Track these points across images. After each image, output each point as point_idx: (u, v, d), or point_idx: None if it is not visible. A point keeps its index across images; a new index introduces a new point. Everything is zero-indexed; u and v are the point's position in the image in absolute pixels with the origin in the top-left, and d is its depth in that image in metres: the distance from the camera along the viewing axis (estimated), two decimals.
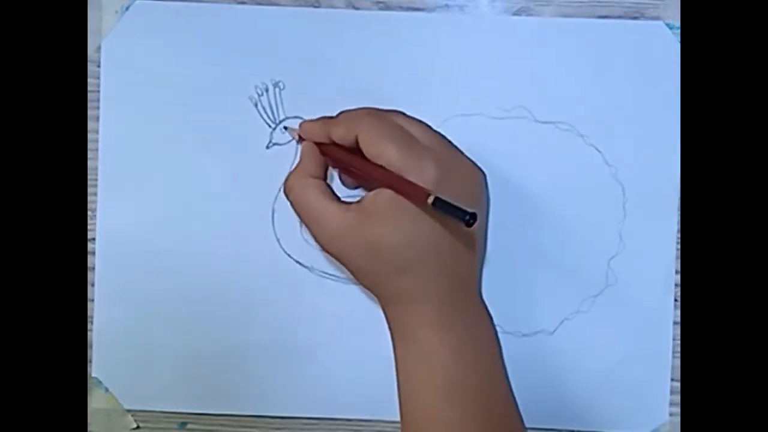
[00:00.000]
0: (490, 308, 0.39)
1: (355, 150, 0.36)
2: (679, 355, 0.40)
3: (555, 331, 0.40)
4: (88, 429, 0.41)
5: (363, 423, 0.41)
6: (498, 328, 0.40)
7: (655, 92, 0.40)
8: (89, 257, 0.41)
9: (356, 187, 0.40)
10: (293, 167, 0.38)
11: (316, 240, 0.36)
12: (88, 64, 0.41)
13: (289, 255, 0.41)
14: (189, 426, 0.41)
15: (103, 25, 0.41)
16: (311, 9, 0.41)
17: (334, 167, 0.39)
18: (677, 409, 0.40)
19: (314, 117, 0.40)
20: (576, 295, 0.40)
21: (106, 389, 0.41)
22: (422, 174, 0.34)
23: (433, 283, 0.35)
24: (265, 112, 0.41)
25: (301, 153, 0.38)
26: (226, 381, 0.41)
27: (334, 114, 0.38)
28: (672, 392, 0.40)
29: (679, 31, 0.40)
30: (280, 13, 0.41)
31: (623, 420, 0.40)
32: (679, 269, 0.40)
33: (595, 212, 0.40)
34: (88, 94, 0.41)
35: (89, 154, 0.41)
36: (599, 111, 0.40)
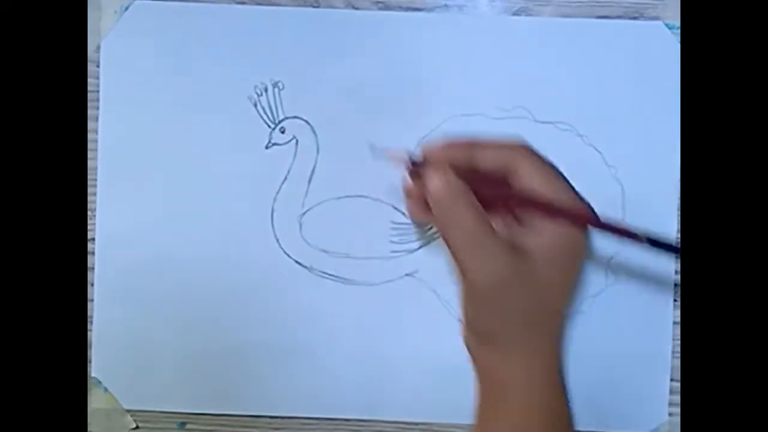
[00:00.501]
0: None
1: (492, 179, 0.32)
2: (678, 355, 0.40)
3: None
4: (88, 429, 0.41)
5: (363, 423, 0.41)
6: None
7: (655, 92, 0.40)
8: (89, 257, 0.41)
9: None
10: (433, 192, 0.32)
11: (468, 281, 0.31)
12: (88, 64, 0.41)
13: (288, 255, 0.41)
14: (188, 426, 0.41)
15: (102, 25, 0.41)
16: (311, 9, 0.41)
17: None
18: (677, 409, 0.40)
19: (311, 116, 0.40)
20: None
21: (106, 389, 0.41)
22: (577, 209, 0.32)
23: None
24: (265, 112, 0.41)
25: (439, 175, 0.32)
26: (225, 381, 0.41)
27: (334, 113, 0.38)
28: (672, 392, 0.40)
29: (678, 31, 0.40)
30: (280, 13, 0.41)
31: (623, 420, 0.40)
32: (678, 269, 0.40)
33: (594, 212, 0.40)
34: (88, 94, 0.41)
35: (89, 154, 0.41)
36: (599, 111, 0.40)
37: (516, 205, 0.32)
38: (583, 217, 0.31)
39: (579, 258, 0.32)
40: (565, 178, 0.33)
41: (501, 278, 0.31)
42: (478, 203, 0.31)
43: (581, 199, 0.33)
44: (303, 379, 0.41)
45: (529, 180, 0.32)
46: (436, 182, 0.31)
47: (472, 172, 0.32)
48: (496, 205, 0.33)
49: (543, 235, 0.31)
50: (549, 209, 0.31)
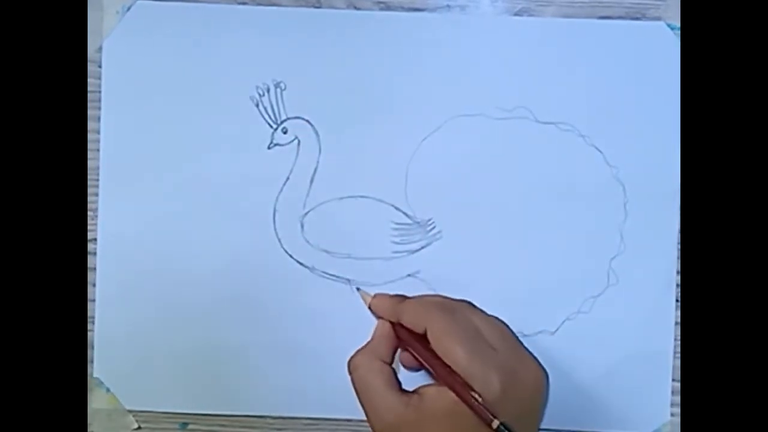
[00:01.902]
0: (491, 309, 0.39)
1: (423, 338, 0.36)
2: (679, 355, 0.40)
3: (556, 331, 0.40)
4: (90, 429, 0.41)
5: (363, 423, 0.41)
6: None
7: (656, 92, 0.40)
8: (90, 258, 0.41)
9: (417, 370, 0.39)
10: (365, 344, 0.38)
11: (369, 422, 0.36)
12: (89, 64, 0.41)
13: (290, 255, 0.41)
14: (190, 426, 0.41)
15: (104, 26, 0.41)
16: (312, 9, 0.41)
17: (401, 348, 0.38)
18: (678, 410, 0.40)
19: (313, 116, 0.40)
20: (577, 295, 0.40)
21: (108, 389, 0.41)
22: (487, 386, 0.33)
23: None
24: (267, 113, 0.41)
25: (376, 331, 0.38)
26: (227, 381, 0.41)
27: (336, 113, 0.38)
28: (673, 392, 0.40)
29: (679, 31, 0.40)
30: (281, 14, 0.41)
31: (624, 420, 0.40)
32: (679, 269, 0.40)
33: (596, 212, 0.40)
34: (90, 95, 0.41)
35: (90, 155, 0.41)
36: (600, 111, 0.40)
37: (426, 365, 0.36)
38: (468, 403, 0.33)
39: (475, 427, 0.33)
40: (471, 337, 0.35)
41: (391, 423, 0.35)
42: (387, 370, 0.36)
43: (487, 360, 0.34)
44: (305, 380, 0.41)
45: (435, 341, 0.35)
46: (357, 358, 0.37)
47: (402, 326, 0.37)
48: (417, 360, 0.37)
49: (443, 396, 0.34)
50: (446, 379, 0.34)
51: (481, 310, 0.38)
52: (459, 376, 0.34)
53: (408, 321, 0.36)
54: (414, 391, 0.36)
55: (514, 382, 0.34)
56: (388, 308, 0.38)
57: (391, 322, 0.38)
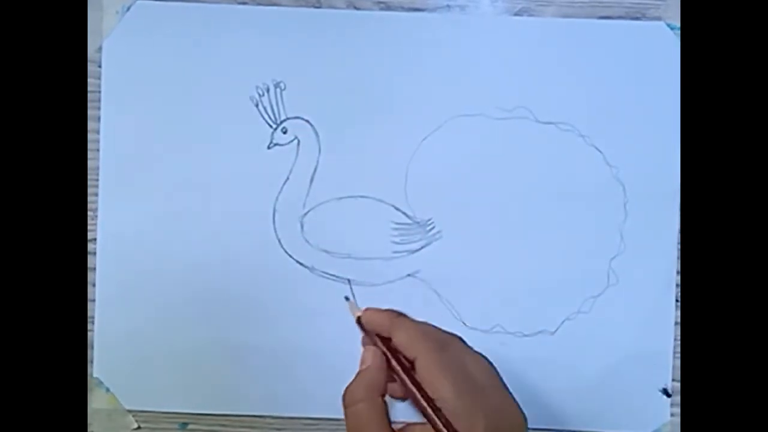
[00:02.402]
0: (491, 309, 0.39)
1: (411, 369, 0.36)
2: (679, 355, 0.40)
3: (556, 331, 0.40)
4: (90, 429, 0.41)
5: None
6: (499, 329, 0.40)
7: (656, 92, 0.40)
8: (90, 257, 0.41)
9: (403, 400, 0.39)
10: (359, 374, 0.37)
11: None
12: (89, 64, 0.41)
13: (290, 255, 0.41)
14: (190, 426, 0.41)
15: (103, 26, 0.41)
16: (312, 9, 0.41)
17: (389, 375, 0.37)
18: (678, 410, 0.40)
19: (313, 116, 0.40)
20: (577, 295, 0.40)
21: (107, 389, 0.41)
22: (473, 424, 0.33)
23: None
24: (266, 113, 0.41)
25: (371, 362, 0.37)
26: (226, 381, 0.41)
27: (336, 113, 0.38)
28: (674, 392, 0.40)
29: (679, 31, 0.40)
30: (281, 14, 0.41)
31: (624, 420, 0.40)
32: (679, 269, 0.40)
33: (596, 212, 0.40)
34: (90, 95, 0.41)
35: (90, 155, 0.41)
36: (600, 111, 0.40)
37: (412, 398, 0.35)
38: (436, 429, 0.33)
39: None
40: (461, 375, 0.35)
41: None
42: (379, 400, 0.36)
43: (474, 400, 0.34)
44: (305, 380, 0.41)
45: (424, 374, 0.35)
46: (358, 391, 0.36)
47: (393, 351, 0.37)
48: (404, 389, 0.36)
49: None
50: (417, 406, 0.34)
51: (470, 347, 0.37)
52: (442, 413, 0.33)
53: (400, 340, 0.36)
54: (404, 427, 0.36)
55: (498, 424, 0.34)
56: (381, 322, 0.37)
57: (383, 351, 0.37)
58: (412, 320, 0.38)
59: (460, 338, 0.38)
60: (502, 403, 0.35)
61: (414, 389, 0.35)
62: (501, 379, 0.36)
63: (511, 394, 0.35)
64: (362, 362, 0.38)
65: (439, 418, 0.33)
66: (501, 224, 0.40)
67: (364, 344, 0.39)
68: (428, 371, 0.35)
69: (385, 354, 0.37)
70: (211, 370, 0.41)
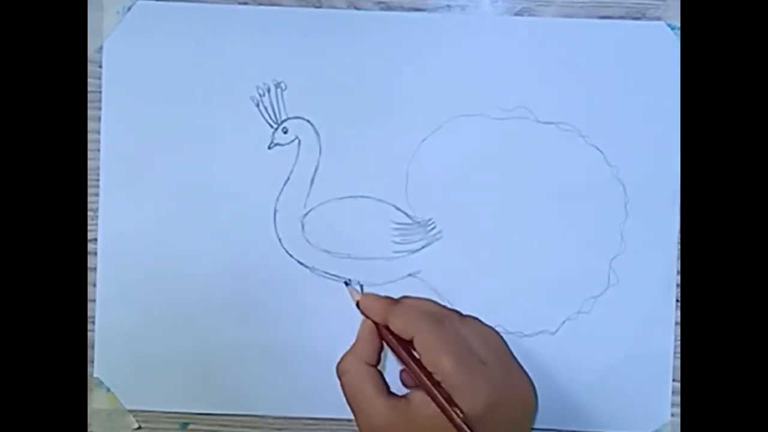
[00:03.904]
0: (491, 309, 0.39)
1: (410, 343, 0.36)
2: (679, 355, 0.40)
3: (557, 331, 0.40)
4: (90, 429, 0.41)
5: None
6: (500, 329, 0.40)
7: (656, 92, 0.40)
8: (91, 258, 0.41)
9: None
10: (351, 347, 0.37)
11: (357, 424, 0.36)
12: (89, 64, 0.41)
13: (290, 255, 0.41)
14: (190, 426, 0.41)
15: (104, 26, 0.41)
16: (312, 9, 0.41)
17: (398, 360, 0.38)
18: (678, 410, 0.40)
19: (313, 116, 0.40)
20: (578, 295, 0.40)
21: (108, 389, 0.41)
22: (473, 399, 0.33)
23: None
24: (267, 113, 0.41)
25: (360, 333, 0.38)
26: (227, 381, 0.41)
27: (337, 113, 0.38)
28: (673, 393, 0.40)
29: (679, 31, 0.40)
30: (282, 14, 0.41)
31: (624, 420, 0.40)
32: (679, 269, 0.40)
33: (596, 212, 0.40)
34: (90, 95, 0.41)
35: (90, 155, 0.41)
36: (601, 111, 0.40)
37: (411, 375, 0.36)
38: (436, 402, 0.34)
39: (445, 427, 0.33)
40: (460, 349, 0.35)
41: (377, 425, 0.35)
42: (375, 373, 0.36)
43: (475, 372, 0.34)
44: (305, 379, 0.41)
45: (423, 351, 0.35)
46: (345, 362, 0.37)
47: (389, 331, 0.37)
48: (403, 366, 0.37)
49: (421, 400, 0.34)
50: (429, 392, 0.34)
51: (474, 318, 0.37)
52: (442, 388, 0.34)
53: (396, 326, 0.36)
54: (402, 396, 0.36)
55: (503, 397, 0.34)
56: (377, 310, 0.37)
57: (377, 324, 0.37)
58: (410, 301, 0.38)
59: (459, 312, 0.38)
60: (507, 376, 0.35)
61: (412, 363, 0.35)
62: (509, 351, 0.36)
63: (521, 366, 0.35)
64: (357, 335, 0.38)
65: (439, 392, 0.33)
66: (501, 224, 0.40)
67: None
68: (426, 347, 0.34)
69: (378, 327, 0.37)
70: (211, 370, 0.41)
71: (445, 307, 0.38)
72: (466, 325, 0.37)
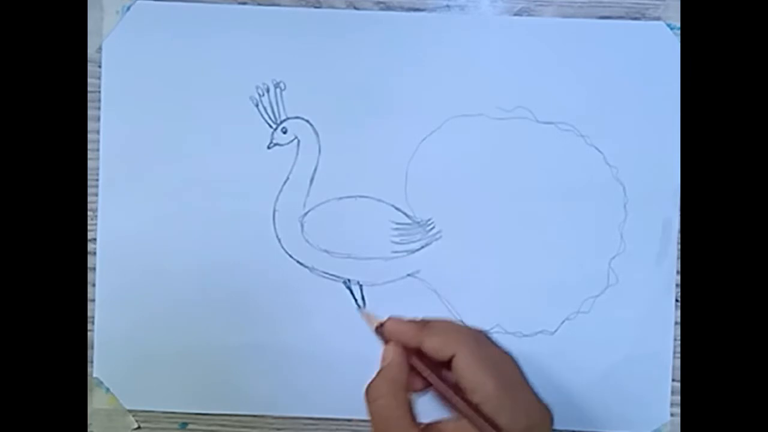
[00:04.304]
0: (491, 309, 0.39)
1: (440, 365, 0.34)
2: (679, 355, 0.40)
3: (556, 331, 0.40)
4: (89, 429, 0.41)
5: (363, 423, 0.41)
6: (499, 329, 0.40)
7: (656, 92, 0.40)
8: (90, 257, 0.41)
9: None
10: (381, 370, 0.36)
11: None
12: (89, 64, 0.41)
13: (290, 255, 0.41)
14: (190, 426, 0.41)
15: (104, 26, 0.41)
16: (312, 9, 0.41)
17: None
18: (678, 410, 0.40)
19: (312, 116, 0.39)
20: (577, 295, 0.40)
21: (107, 389, 0.41)
22: (516, 419, 0.32)
23: None
24: (266, 113, 0.41)
25: (387, 356, 0.36)
26: (226, 381, 0.41)
27: (336, 113, 0.38)
28: (673, 392, 0.40)
29: (679, 31, 0.40)
30: (281, 14, 0.41)
31: (624, 420, 0.40)
32: (679, 269, 0.40)
33: (596, 212, 0.40)
34: (89, 95, 0.41)
35: (90, 155, 0.41)
36: (600, 111, 0.40)
37: (444, 398, 0.35)
38: (476, 425, 0.33)
39: None
40: (501, 371, 0.34)
41: None
42: (402, 395, 0.34)
43: (516, 395, 0.33)
44: (304, 379, 0.41)
45: (465, 371, 0.33)
46: (379, 386, 0.35)
47: (418, 354, 0.35)
48: (434, 390, 0.35)
49: (455, 430, 0.33)
50: (451, 403, 0.34)
51: (496, 342, 0.36)
52: (481, 410, 0.32)
53: (432, 346, 0.34)
54: (432, 425, 0.34)
55: (536, 421, 0.33)
56: (409, 332, 0.36)
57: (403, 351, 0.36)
58: (440, 321, 0.37)
59: (486, 334, 0.37)
60: (532, 399, 0.34)
61: (446, 388, 0.34)
62: (524, 375, 0.35)
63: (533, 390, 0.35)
64: (383, 359, 0.37)
65: (476, 415, 0.32)
66: (501, 224, 0.40)
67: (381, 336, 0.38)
68: (468, 367, 0.33)
69: (407, 354, 0.36)
70: (211, 370, 0.41)
71: (472, 328, 0.38)
72: (493, 346, 0.36)
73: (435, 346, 0.34)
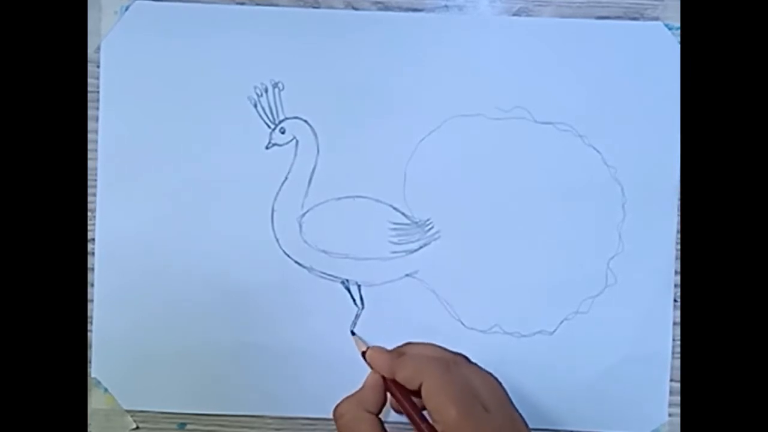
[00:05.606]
0: (489, 309, 0.39)
1: (415, 394, 0.35)
2: (678, 355, 0.40)
3: (555, 331, 0.40)
4: (88, 429, 0.41)
5: None
6: (497, 329, 0.40)
7: (655, 92, 0.40)
8: (89, 258, 0.41)
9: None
10: (353, 393, 0.36)
11: None
12: (88, 64, 0.41)
13: (288, 255, 0.41)
14: (188, 426, 0.41)
15: (102, 26, 0.41)
16: (310, 10, 0.41)
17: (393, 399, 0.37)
18: (677, 410, 0.40)
19: (311, 116, 0.40)
20: (575, 295, 0.40)
21: (106, 390, 0.41)
22: None
23: None
24: (265, 113, 0.41)
25: (366, 381, 0.37)
26: (225, 381, 0.41)
27: (334, 114, 0.38)
28: (672, 393, 0.40)
29: (678, 31, 0.40)
30: (280, 14, 0.41)
31: (623, 420, 0.40)
32: (678, 269, 0.40)
33: (594, 212, 0.40)
34: (88, 95, 0.41)
35: (89, 155, 0.41)
36: (598, 111, 0.40)
37: (415, 424, 0.35)
38: None
39: None
40: (465, 397, 0.34)
41: None
42: (374, 420, 0.35)
43: (478, 423, 0.33)
44: (303, 380, 0.41)
45: (428, 398, 0.34)
46: (343, 405, 0.36)
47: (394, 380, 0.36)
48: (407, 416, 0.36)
49: None
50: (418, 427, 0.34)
51: (476, 366, 0.37)
52: None
53: (403, 378, 0.35)
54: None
55: None
56: (383, 364, 0.36)
57: (383, 377, 0.36)
58: (416, 347, 0.37)
59: (466, 357, 0.37)
60: (509, 422, 0.34)
61: (413, 413, 0.35)
62: (508, 397, 0.35)
63: (518, 411, 0.35)
64: (362, 384, 0.37)
65: None
66: (499, 224, 0.40)
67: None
68: (433, 395, 0.34)
69: (384, 379, 0.36)
70: (209, 370, 0.41)
71: (451, 351, 0.37)
72: (471, 370, 0.36)
73: (406, 375, 0.35)
